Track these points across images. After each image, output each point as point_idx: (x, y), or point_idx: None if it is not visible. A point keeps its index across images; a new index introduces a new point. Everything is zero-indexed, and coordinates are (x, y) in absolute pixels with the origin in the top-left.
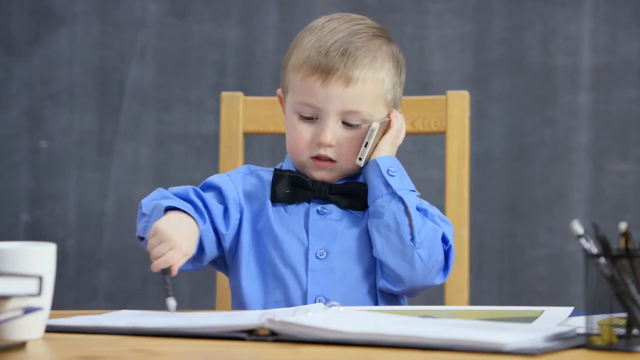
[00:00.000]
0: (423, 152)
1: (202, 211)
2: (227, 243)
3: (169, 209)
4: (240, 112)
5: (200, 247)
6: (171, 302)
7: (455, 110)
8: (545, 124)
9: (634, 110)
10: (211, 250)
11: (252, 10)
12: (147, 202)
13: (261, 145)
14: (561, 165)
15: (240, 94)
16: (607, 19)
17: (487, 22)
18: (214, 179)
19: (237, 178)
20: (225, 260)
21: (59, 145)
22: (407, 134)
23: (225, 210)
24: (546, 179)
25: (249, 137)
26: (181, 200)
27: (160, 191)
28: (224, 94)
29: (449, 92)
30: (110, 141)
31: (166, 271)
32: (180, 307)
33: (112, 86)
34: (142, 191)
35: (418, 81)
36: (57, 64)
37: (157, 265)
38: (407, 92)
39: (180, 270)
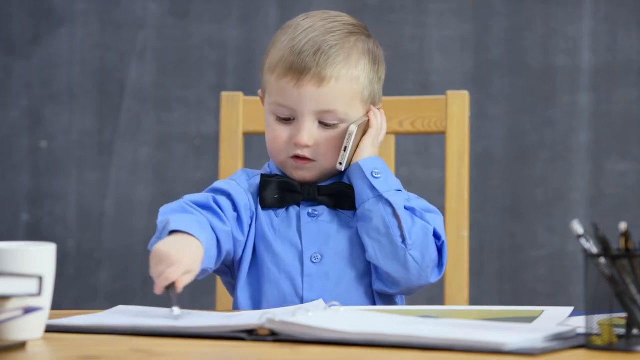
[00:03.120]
0: (423, 152)
1: (222, 217)
2: (241, 249)
3: (172, 232)
4: (240, 112)
5: (218, 252)
6: (175, 310)
7: (455, 110)
8: (545, 124)
9: (634, 110)
10: (227, 255)
11: (252, 10)
12: (164, 213)
13: (261, 145)
14: (561, 165)
15: (240, 94)
16: (607, 19)
17: (487, 22)
18: (221, 185)
19: (242, 182)
20: (231, 266)
21: (59, 145)
22: (407, 134)
23: (238, 217)
24: (546, 179)
25: (249, 137)
26: (196, 212)
27: (180, 203)
28: (224, 94)
29: (449, 92)
30: (110, 141)
31: (169, 287)
32: (180, 308)
33: (112, 86)
34: (142, 191)
35: (418, 81)
36: (57, 64)
37: (159, 284)
38: (407, 92)
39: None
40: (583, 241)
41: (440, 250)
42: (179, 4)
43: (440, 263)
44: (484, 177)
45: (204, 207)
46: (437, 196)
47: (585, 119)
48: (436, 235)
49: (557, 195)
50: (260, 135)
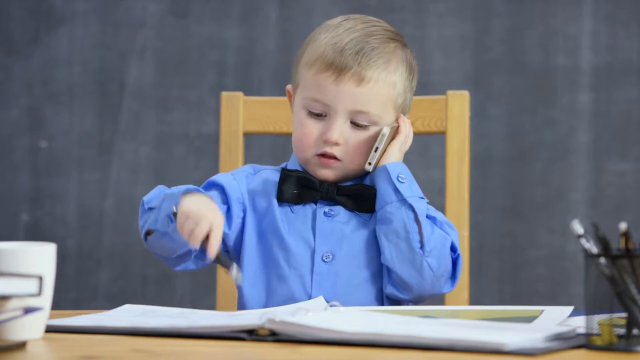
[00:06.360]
0: (423, 152)
1: None
2: (230, 242)
3: (185, 193)
4: (240, 112)
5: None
6: (235, 270)
7: (455, 110)
8: (545, 124)
9: (634, 110)
10: None
11: (252, 10)
12: (150, 199)
13: (261, 145)
14: (561, 165)
15: (240, 94)
16: (607, 19)
17: (487, 22)
18: (217, 177)
19: (240, 177)
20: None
21: (59, 145)
22: None
23: (228, 210)
24: (546, 179)
25: (249, 137)
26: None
27: (160, 188)
28: (224, 94)
29: (449, 92)
30: (110, 141)
31: (204, 243)
32: (180, 307)
33: (112, 86)
34: (142, 191)
35: (418, 81)
36: (57, 64)
37: (212, 249)
38: None
39: (183, 271)
40: (583, 241)
41: (455, 263)
42: (179, 4)
43: (453, 275)
44: (484, 177)
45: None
46: (437, 196)
47: (585, 119)
48: (452, 248)
49: (557, 195)
50: (260, 135)
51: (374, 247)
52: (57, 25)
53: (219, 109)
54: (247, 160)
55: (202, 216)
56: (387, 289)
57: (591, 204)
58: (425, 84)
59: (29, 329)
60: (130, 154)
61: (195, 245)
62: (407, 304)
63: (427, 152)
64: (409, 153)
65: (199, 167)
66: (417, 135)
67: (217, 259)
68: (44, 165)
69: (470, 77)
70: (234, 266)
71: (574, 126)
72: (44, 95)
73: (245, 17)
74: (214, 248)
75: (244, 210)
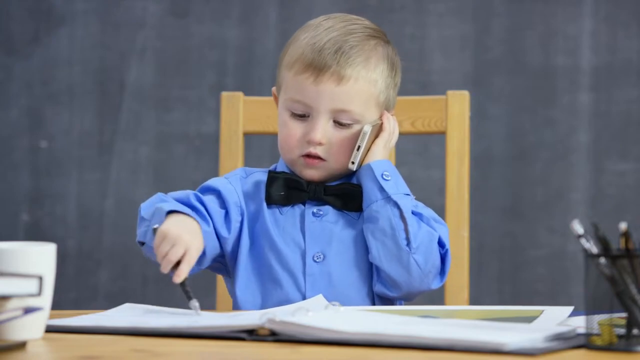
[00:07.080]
0: (423, 152)
1: (205, 215)
2: (229, 247)
3: (170, 212)
4: (240, 112)
5: (202, 251)
6: (195, 303)
7: (455, 110)
8: (545, 124)
9: (634, 110)
10: (212, 254)
11: (252, 10)
12: (147, 207)
13: (261, 145)
14: (561, 165)
15: (240, 94)
16: (607, 19)
17: (487, 22)
18: (213, 182)
19: (235, 180)
20: (226, 263)
21: (59, 145)
22: (407, 134)
23: (226, 214)
24: (546, 179)
25: (249, 137)
26: (181, 204)
27: (159, 196)
28: (224, 94)
29: (449, 92)
30: (110, 141)
31: (174, 268)
32: (180, 307)
33: (112, 86)
34: (142, 191)
35: (418, 81)
36: (57, 64)
37: (164, 266)
38: (407, 92)
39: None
40: (583, 241)
41: (443, 258)
42: (179, 4)
43: (442, 271)
44: (484, 177)
45: (183, 204)
46: (437, 196)
47: (585, 119)
48: (440, 243)
49: (557, 195)
50: (260, 135)
51: (364, 246)
52: (57, 25)
53: (219, 109)
54: (247, 160)
55: (178, 239)
56: (376, 287)
57: (591, 204)
58: (425, 84)
59: (29, 329)
60: (130, 154)
61: (167, 268)
62: (398, 302)
63: (427, 152)
64: (409, 153)
65: (199, 167)
66: (417, 135)
67: (182, 285)
68: (44, 165)
69: (470, 77)
70: (194, 301)
71: (574, 126)
72: (44, 95)
73: (245, 17)
74: (182, 273)
75: (242, 214)
